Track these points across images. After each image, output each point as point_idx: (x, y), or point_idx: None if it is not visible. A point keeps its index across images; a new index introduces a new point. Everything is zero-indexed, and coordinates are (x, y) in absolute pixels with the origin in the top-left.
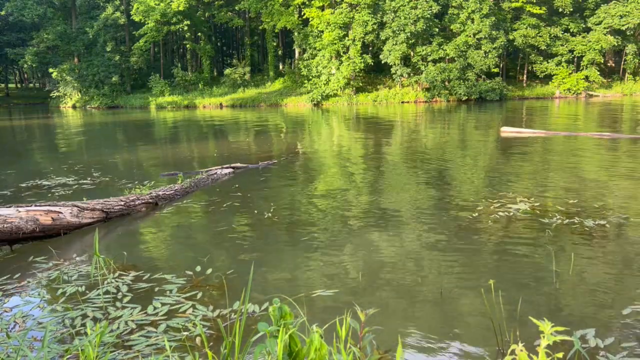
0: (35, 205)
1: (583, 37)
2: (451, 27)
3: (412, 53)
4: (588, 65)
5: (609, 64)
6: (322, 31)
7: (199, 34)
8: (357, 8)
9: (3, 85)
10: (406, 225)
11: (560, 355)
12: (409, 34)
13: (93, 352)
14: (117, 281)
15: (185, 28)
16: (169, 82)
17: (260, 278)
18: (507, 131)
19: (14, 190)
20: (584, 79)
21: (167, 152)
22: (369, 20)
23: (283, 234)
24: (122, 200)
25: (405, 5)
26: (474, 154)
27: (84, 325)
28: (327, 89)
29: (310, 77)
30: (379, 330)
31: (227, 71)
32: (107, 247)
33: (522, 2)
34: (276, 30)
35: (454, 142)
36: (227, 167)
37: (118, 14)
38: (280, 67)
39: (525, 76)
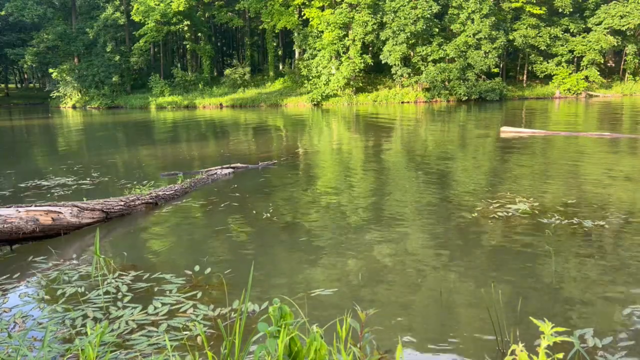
0: (35, 206)
1: (583, 37)
2: (451, 27)
3: (412, 53)
4: (588, 66)
5: (609, 64)
6: (322, 31)
7: (199, 34)
8: (357, 8)
9: (3, 85)
10: (406, 225)
11: (560, 355)
12: (409, 34)
13: (93, 352)
14: (116, 281)
15: (185, 28)
16: (169, 82)
17: (260, 278)
18: (507, 131)
19: (14, 191)
20: (584, 79)
21: (167, 152)
22: (369, 21)
23: (283, 234)
24: (122, 201)
25: (405, 6)
26: (473, 154)
27: (84, 325)
28: (327, 89)
29: (310, 77)
30: (379, 330)
31: (227, 71)
32: (107, 247)
33: (522, 2)
34: (276, 31)
35: (454, 142)
36: (227, 168)
37: (118, 14)
38: (280, 67)
39: (525, 76)
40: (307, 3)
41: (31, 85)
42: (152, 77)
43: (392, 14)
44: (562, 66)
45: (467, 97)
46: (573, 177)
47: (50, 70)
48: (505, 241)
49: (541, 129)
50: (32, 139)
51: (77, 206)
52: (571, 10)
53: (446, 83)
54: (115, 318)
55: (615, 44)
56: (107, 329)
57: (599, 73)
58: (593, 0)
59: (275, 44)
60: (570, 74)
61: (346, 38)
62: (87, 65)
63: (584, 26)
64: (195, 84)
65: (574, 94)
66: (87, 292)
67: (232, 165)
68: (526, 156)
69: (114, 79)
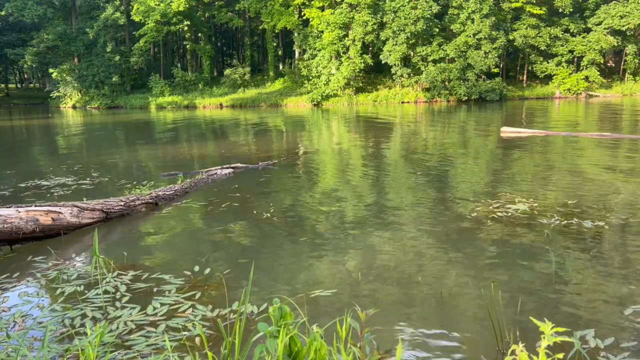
0: (35, 206)
1: (583, 37)
2: (451, 27)
3: (412, 53)
4: (588, 66)
5: (609, 64)
6: (322, 31)
7: (199, 34)
8: (357, 8)
9: (3, 85)
10: (406, 225)
11: (560, 355)
12: (409, 34)
13: (93, 352)
14: (115, 281)
15: (185, 28)
16: (169, 82)
17: (259, 278)
18: (507, 131)
19: (14, 191)
20: (584, 79)
21: (167, 152)
22: (369, 21)
23: (282, 234)
24: (122, 201)
25: (405, 6)
26: (473, 154)
27: (83, 325)
28: (327, 89)
29: (310, 77)
30: (379, 331)
31: (227, 71)
32: (106, 247)
33: (522, 2)
34: (276, 31)
35: (454, 142)
36: (227, 168)
37: (118, 14)
38: (281, 67)
39: (525, 76)
40: (307, 3)
41: (31, 85)
42: (152, 77)
43: (392, 14)
44: (562, 66)
45: (467, 97)
46: (573, 177)
47: (50, 70)
48: (505, 241)
49: (541, 129)
50: (32, 139)
51: (77, 206)
52: (571, 10)
53: (446, 83)
54: (114, 318)
55: (615, 44)
56: (106, 329)
57: (599, 73)
58: (593, 0)
59: (275, 44)
60: (570, 74)
61: (346, 38)
62: (87, 65)
63: (584, 26)
64: (195, 84)
65: (574, 94)
66: (86, 292)
67: (232, 165)
68: (526, 156)
69: (114, 79)
